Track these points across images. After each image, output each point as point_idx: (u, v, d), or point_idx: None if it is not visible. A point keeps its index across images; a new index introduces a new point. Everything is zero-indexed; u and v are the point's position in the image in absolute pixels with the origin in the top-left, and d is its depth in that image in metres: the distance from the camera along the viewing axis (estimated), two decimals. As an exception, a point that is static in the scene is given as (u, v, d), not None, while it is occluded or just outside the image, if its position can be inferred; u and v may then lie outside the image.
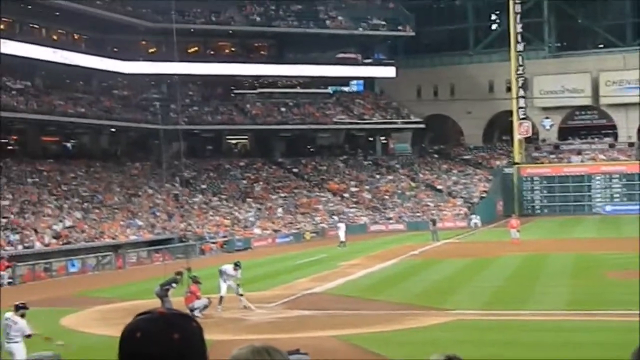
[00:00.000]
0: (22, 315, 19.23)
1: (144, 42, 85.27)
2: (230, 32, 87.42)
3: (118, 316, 29.02)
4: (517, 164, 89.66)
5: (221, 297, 31.09)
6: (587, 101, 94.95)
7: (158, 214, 68.09)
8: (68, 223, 59.00)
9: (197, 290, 30.08)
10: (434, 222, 66.15)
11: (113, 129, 79.29)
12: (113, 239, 59.61)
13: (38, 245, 53.48)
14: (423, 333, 24.87)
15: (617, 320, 25.06)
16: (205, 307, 29.94)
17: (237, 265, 32.26)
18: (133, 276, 47.64)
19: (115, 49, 79.74)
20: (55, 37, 76.75)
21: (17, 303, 19.60)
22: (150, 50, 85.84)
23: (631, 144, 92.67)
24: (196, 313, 28.60)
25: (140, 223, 64.55)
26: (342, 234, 61.94)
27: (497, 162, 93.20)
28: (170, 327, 2.57)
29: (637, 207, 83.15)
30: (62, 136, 79.58)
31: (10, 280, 46.37)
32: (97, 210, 63.99)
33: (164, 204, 71.18)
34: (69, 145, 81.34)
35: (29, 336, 19.00)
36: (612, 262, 41.35)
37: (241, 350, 3.09)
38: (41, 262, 50.67)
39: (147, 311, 2.67)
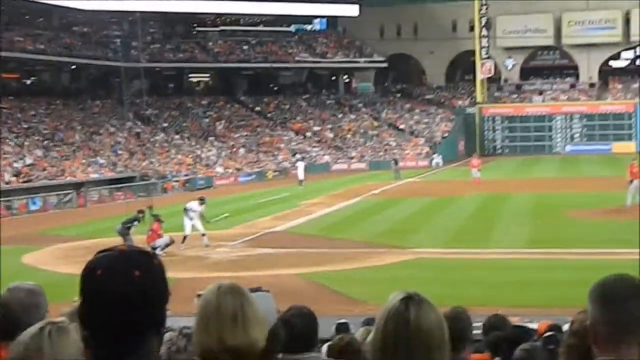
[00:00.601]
0: None
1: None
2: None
3: (80, 254, 28.94)
4: (479, 103, 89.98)
5: (185, 236, 31.10)
6: (550, 41, 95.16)
7: (120, 152, 67.69)
8: (29, 161, 58.55)
9: (158, 228, 30.07)
10: (395, 161, 66.40)
11: (73, 66, 78.45)
12: (74, 177, 59.24)
13: (-1, 184, 53.08)
14: (384, 271, 25.07)
15: (576, 259, 25.38)
16: (167, 245, 29.97)
17: (201, 200, 32.34)
18: (95, 214, 47.52)
19: (75, -15, 78.47)
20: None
21: None
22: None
23: (592, 85, 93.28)
24: (158, 251, 28.59)
25: (101, 161, 64.19)
26: (300, 172, 61.60)
27: (460, 102, 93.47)
28: (131, 264, 2.56)
29: (596, 147, 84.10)
30: (22, 73, 78.63)
31: (-30, 218, 46.06)
32: (58, 148, 63.49)
33: (126, 142, 70.75)
34: (28, 82, 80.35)
35: None
36: (571, 201, 41.78)
37: (209, 288, 3.11)
38: (2, 200, 50.30)
39: (108, 249, 2.66)
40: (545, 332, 8.53)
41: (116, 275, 2.53)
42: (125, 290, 2.51)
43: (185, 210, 31.88)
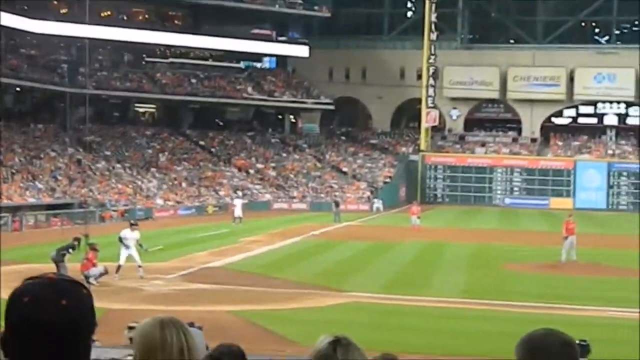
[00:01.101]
0: None
1: (55, 2, 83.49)
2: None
3: (12, 279, 28.31)
4: (423, 151, 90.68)
5: (119, 266, 30.76)
6: (495, 94, 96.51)
7: (59, 177, 66.98)
8: (-35, 181, 57.70)
9: (94, 257, 29.76)
10: (337, 203, 66.58)
11: (18, 88, 77.62)
12: (11, 200, 58.44)
13: None
14: (320, 313, 25.04)
15: (511, 311, 25.55)
16: (102, 274, 29.65)
17: (133, 226, 32.12)
18: (30, 239, 46.89)
19: (25, 7, 77.82)
20: (-38, -10, 74.56)
21: None
22: (62, 11, 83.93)
23: (534, 140, 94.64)
24: (91, 280, 28.29)
25: (40, 186, 63.44)
26: (238, 210, 61.23)
27: (403, 149, 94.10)
28: (59, 292, 2.51)
29: (535, 201, 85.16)
30: (-36, 92, 77.62)
31: None
32: (-4, 170, 62.65)
33: (66, 168, 70.04)
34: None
35: None
36: (509, 254, 42.14)
37: (147, 321, 3.07)
38: None
39: (36, 276, 2.61)
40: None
41: (43, 303, 2.48)
42: (52, 319, 2.46)
43: (120, 239, 31.55)
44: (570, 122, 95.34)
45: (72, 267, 28.39)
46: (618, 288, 29.38)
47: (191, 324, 4.01)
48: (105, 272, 29.86)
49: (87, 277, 28.27)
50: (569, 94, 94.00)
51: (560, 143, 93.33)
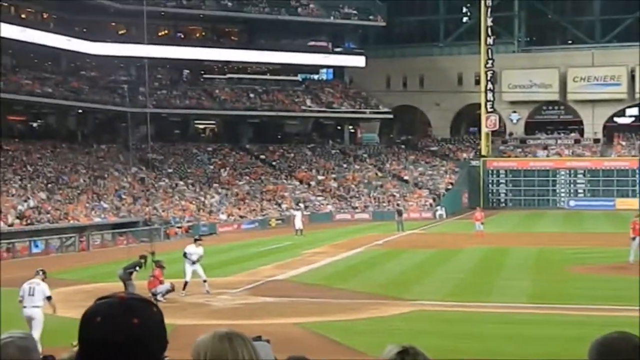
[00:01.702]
0: (43, 279, 21.32)
1: (113, 24, 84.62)
2: (201, 16, 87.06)
3: (80, 298, 28.88)
4: (484, 156, 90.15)
5: (185, 282, 30.99)
6: (555, 96, 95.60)
7: (124, 196, 67.76)
8: (32, 203, 58.60)
9: (160, 274, 30.00)
10: (399, 212, 66.39)
11: (80, 110, 78.86)
12: (77, 220, 59.25)
13: (1, 225, 53.00)
14: (384, 323, 24.97)
15: (577, 315, 25.28)
16: (168, 291, 29.90)
17: (196, 240, 32.41)
18: (96, 258, 47.42)
19: (84, 30, 79.15)
20: (24, 16, 75.92)
21: (37, 269, 21.87)
22: (120, 32, 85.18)
23: (596, 140, 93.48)
24: (159, 297, 28.57)
25: (105, 205, 64.23)
26: (298, 221, 61.51)
27: (464, 155, 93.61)
28: (129, 311, 2.58)
29: (600, 202, 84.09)
30: (28, 116, 79.03)
31: (-28, 260, 45.98)
32: (61, 192, 63.57)
33: (130, 187, 70.86)
34: (35, 125, 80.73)
35: (49, 298, 20.91)
36: (573, 257, 41.68)
37: (204, 336, 3.11)
38: (4, 242, 50.26)
39: (107, 296, 2.68)
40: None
41: (115, 322, 2.55)
42: (123, 339, 2.53)
43: (185, 254, 31.79)
44: (634, 121, 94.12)
45: (140, 285, 28.71)
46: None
47: (258, 338, 4.04)
48: (172, 289, 30.10)
49: (154, 295, 28.54)
50: (631, 92, 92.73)
51: (623, 143, 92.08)
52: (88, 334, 2.57)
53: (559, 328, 23.09)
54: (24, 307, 20.83)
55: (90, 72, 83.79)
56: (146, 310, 2.61)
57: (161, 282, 29.88)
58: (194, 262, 31.32)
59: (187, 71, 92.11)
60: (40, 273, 21.59)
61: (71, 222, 58.50)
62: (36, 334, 19.81)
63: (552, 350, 20.01)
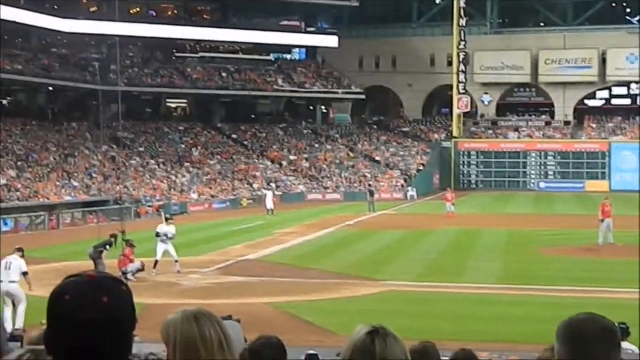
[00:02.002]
0: (22, 256, 21.85)
1: (85, 1, 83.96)
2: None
3: (50, 277, 28.64)
4: (455, 138, 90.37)
5: (156, 262, 30.94)
6: (527, 79, 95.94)
7: (94, 175, 67.41)
8: (2, 182, 58.16)
9: (130, 253, 29.93)
10: (372, 193, 66.46)
11: (51, 88, 78.23)
12: (47, 199, 58.91)
13: (-30, 203, 52.65)
14: (356, 303, 25.05)
15: (547, 296, 25.46)
16: (139, 270, 29.85)
17: (167, 220, 32.41)
18: (67, 237, 47.21)
19: (55, 7, 78.35)
20: (-7, -8, 75.11)
21: (16, 247, 22.48)
22: (91, 10, 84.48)
23: (567, 123, 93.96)
24: (129, 277, 28.48)
25: (75, 184, 63.88)
26: (269, 202, 61.53)
27: (436, 136, 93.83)
28: (99, 290, 2.56)
29: (570, 185, 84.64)
30: (-2, 93, 78.32)
31: (-59, 238, 45.63)
32: (31, 170, 63.16)
33: (101, 165, 70.48)
34: (5, 102, 79.99)
35: (25, 274, 21.58)
36: (544, 238, 41.96)
37: (173, 316, 3.09)
38: (-27, 220, 49.93)
39: (76, 274, 2.65)
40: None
41: (84, 301, 2.53)
42: (92, 317, 2.51)
43: (157, 234, 31.73)
44: (604, 104, 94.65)
45: (110, 264, 28.62)
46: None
47: (229, 317, 4.01)
48: (142, 269, 30.06)
49: (124, 274, 28.47)
50: (602, 75, 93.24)
51: (594, 125, 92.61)
52: (57, 312, 2.55)
53: (529, 309, 23.25)
54: (1, 281, 21.15)
55: (61, 50, 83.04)
56: (116, 289, 2.59)
57: (132, 261, 29.82)
58: (165, 240, 31.26)
59: (159, 50, 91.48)
60: (18, 250, 22.16)
61: (41, 200, 58.17)
62: (22, 308, 20.85)
63: (523, 330, 20.15)
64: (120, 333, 2.56)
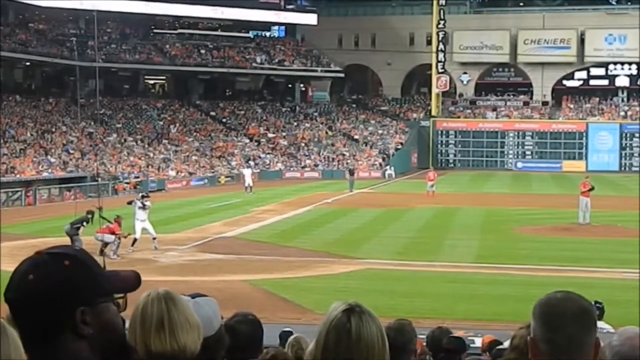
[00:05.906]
0: None
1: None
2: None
3: (26, 253, 28.10)
4: (434, 117, 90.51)
5: (135, 239, 30.91)
6: (505, 58, 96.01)
7: (71, 151, 67.06)
8: (-22, 157, 57.85)
9: (117, 228, 29.82)
10: (351, 171, 66.33)
11: (27, 63, 77.62)
12: (24, 174, 58.60)
13: (-54, 178, 52.30)
14: (333, 281, 25.12)
15: (524, 275, 25.60)
16: (114, 245, 29.74)
17: (144, 197, 32.40)
18: (43, 213, 47.04)
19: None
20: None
21: None
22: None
23: (545, 103, 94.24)
24: (111, 255, 28.40)
25: (52, 160, 63.55)
26: (248, 179, 61.32)
27: (414, 115, 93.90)
28: (28, 269, 2.54)
29: (547, 165, 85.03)
30: (-27, 68, 77.69)
31: None
32: (8, 145, 62.74)
33: (78, 141, 70.11)
34: (-20, 77, 79.43)
35: None
36: (521, 217, 42.14)
37: (141, 297, 3.07)
38: (-52, 196, 49.62)
39: (39, 251, 2.64)
40: (488, 346, 8.59)
41: (12, 280, 2.54)
42: (16, 297, 2.51)
43: (135, 213, 31.72)
44: (582, 85, 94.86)
45: (87, 240, 28.54)
46: (633, 250, 29.31)
47: (197, 295, 3.97)
48: (117, 243, 29.97)
49: (105, 244, 28.75)
50: (580, 56, 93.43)
51: (571, 106, 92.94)
52: (4, 292, 2.55)
53: (506, 288, 23.40)
54: None
55: (38, 25, 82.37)
56: (48, 267, 2.54)
57: (112, 234, 29.66)
58: (144, 218, 31.26)
59: (137, 26, 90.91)
60: None
61: (18, 176, 57.85)
62: None
63: (500, 309, 20.28)
64: (60, 308, 2.50)
